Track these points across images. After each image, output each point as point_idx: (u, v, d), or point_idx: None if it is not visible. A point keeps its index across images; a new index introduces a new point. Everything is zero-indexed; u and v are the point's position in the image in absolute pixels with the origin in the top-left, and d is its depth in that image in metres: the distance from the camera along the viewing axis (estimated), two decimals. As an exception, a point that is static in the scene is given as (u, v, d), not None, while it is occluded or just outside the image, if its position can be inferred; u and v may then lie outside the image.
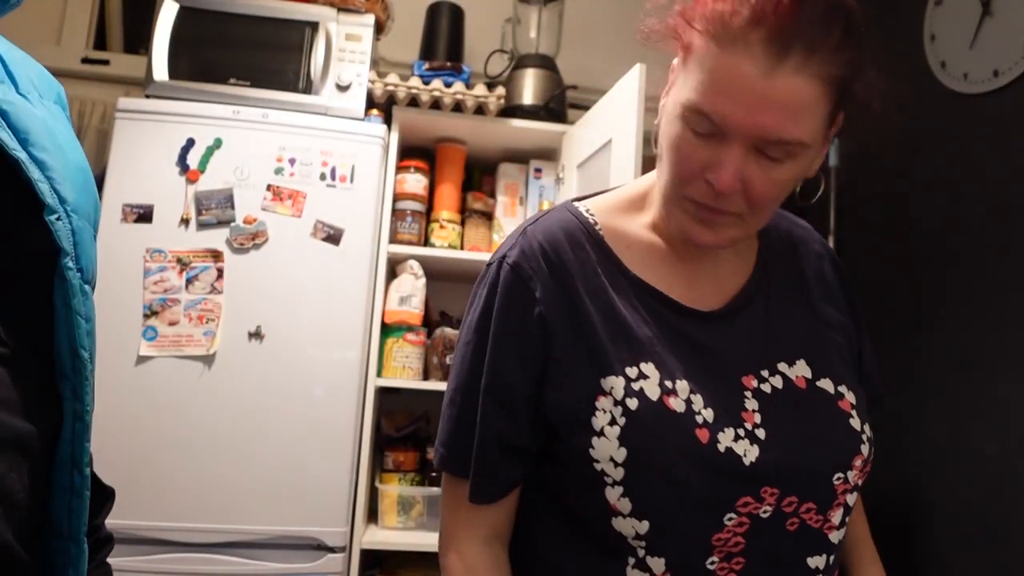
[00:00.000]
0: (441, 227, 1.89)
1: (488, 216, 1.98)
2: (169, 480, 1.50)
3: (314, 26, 1.74)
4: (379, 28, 1.87)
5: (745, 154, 0.58)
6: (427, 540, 1.70)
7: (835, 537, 0.65)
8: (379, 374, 1.73)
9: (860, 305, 0.77)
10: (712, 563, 0.61)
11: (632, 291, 0.66)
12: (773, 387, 0.65)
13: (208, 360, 1.55)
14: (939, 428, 1.60)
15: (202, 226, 1.59)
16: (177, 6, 1.70)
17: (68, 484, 0.54)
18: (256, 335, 1.58)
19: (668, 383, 0.62)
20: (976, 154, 1.58)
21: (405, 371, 1.76)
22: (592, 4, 2.31)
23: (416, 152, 1.98)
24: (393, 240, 1.82)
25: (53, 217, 0.52)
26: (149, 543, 1.47)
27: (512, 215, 1.98)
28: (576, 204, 0.73)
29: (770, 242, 0.75)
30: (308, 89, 1.72)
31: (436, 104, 1.86)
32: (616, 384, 0.61)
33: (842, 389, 0.67)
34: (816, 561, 0.64)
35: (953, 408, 1.57)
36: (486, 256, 1.88)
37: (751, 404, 0.63)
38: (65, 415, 0.54)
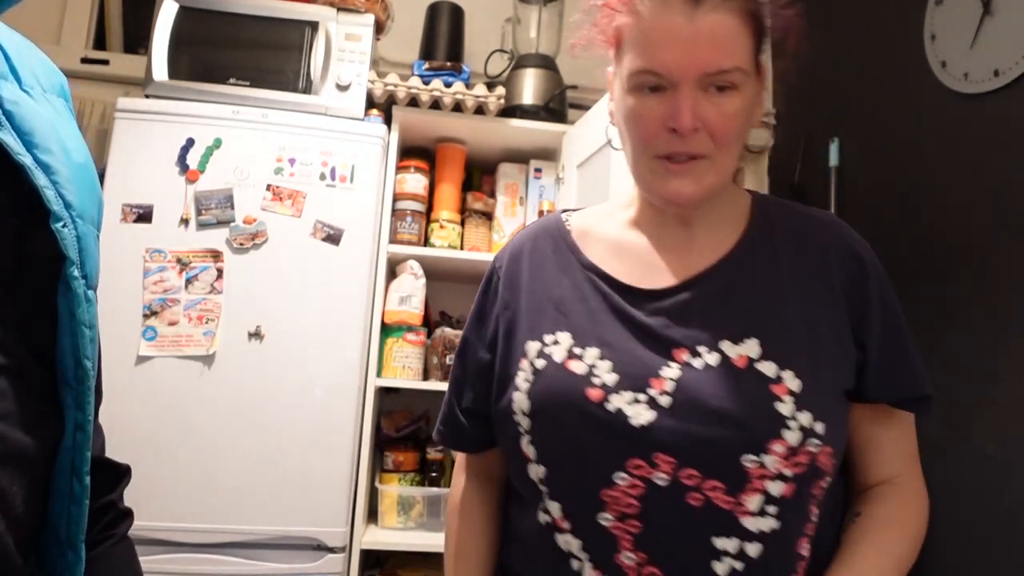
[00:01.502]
0: (441, 227, 1.89)
1: (488, 216, 1.98)
2: (169, 480, 1.50)
3: (314, 26, 1.74)
4: (379, 28, 1.87)
5: (695, 94, 0.63)
6: (427, 540, 1.70)
7: (752, 524, 0.62)
8: (379, 374, 1.73)
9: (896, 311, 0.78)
10: (606, 519, 0.64)
11: (581, 274, 0.74)
12: (706, 363, 0.65)
13: (208, 360, 1.55)
14: (939, 428, 1.60)
15: (202, 226, 1.59)
16: (177, 6, 1.70)
17: (67, 491, 0.54)
18: (256, 335, 1.58)
19: (577, 349, 0.69)
20: (976, 154, 1.58)
21: (405, 371, 1.76)
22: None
23: (416, 152, 1.98)
24: (393, 240, 1.82)
25: (59, 225, 0.51)
26: (149, 543, 1.47)
27: (512, 215, 1.98)
28: (564, 211, 0.83)
29: (760, 232, 0.73)
30: (308, 89, 1.72)
31: (436, 104, 1.86)
32: (532, 348, 0.71)
33: (785, 374, 0.64)
34: (724, 543, 0.62)
35: (953, 408, 1.57)
36: (486, 256, 1.88)
37: (670, 373, 0.65)
38: (67, 424, 0.53)
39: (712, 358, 0.65)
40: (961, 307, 1.58)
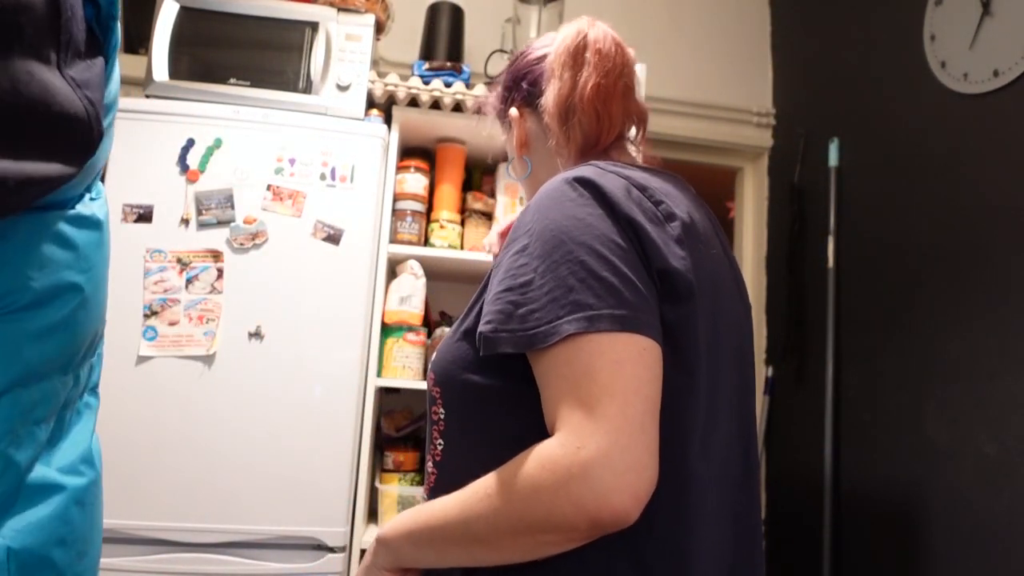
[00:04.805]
0: (441, 227, 1.89)
1: (488, 216, 1.98)
2: (169, 480, 1.50)
3: (314, 26, 1.74)
4: (379, 28, 1.87)
5: None
6: (427, 540, 1.69)
7: (438, 442, 0.74)
8: (379, 374, 1.73)
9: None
10: None
11: None
12: None
13: (208, 360, 1.55)
14: (939, 428, 1.60)
15: (202, 226, 1.59)
16: (177, 6, 1.70)
17: None
18: (256, 335, 1.58)
19: None
20: (976, 154, 1.58)
21: (405, 371, 1.76)
22: (592, 4, 2.31)
23: (416, 152, 1.98)
24: (393, 240, 1.82)
25: None
26: (149, 543, 1.47)
27: (512, 215, 1.98)
28: None
29: None
30: (308, 89, 1.72)
31: (436, 104, 1.86)
32: None
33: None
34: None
35: (953, 408, 1.57)
36: (486, 256, 1.88)
37: None
38: None
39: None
40: (960, 306, 1.58)
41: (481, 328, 0.65)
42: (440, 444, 0.74)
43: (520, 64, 0.89)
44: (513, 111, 0.88)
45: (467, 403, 0.71)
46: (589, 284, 0.61)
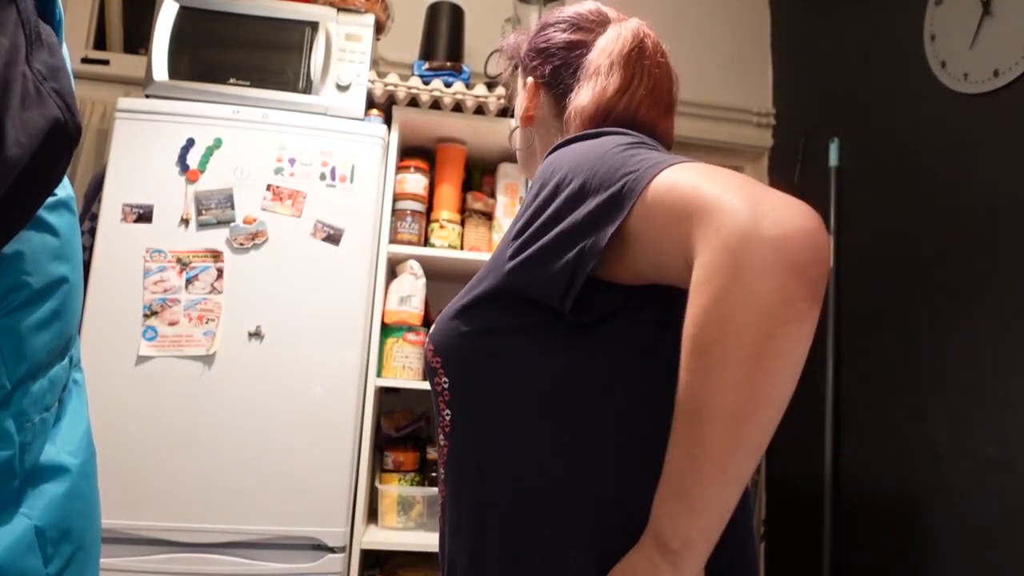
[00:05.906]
0: (441, 227, 1.89)
1: (488, 216, 1.98)
2: (169, 480, 1.50)
3: (314, 26, 1.74)
4: (379, 28, 1.87)
5: None
6: (427, 540, 1.70)
7: (446, 412, 0.73)
8: (379, 374, 1.73)
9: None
10: None
11: None
12: None
13: (208, 360, 1.55)
14: (939, 428, 1.60)
15: (202, 226, 1.59)
16: (177, 6, 1.70)
17: None
18: (256, 335, 1.58)
19: None
20: (976, 154, 1.58)
21: (405, 371, 1.76)
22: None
23: (416, 152, 1.98)
24: (393, 240, 1.82)
25: None
26: (149, 543, 1.47)
27: (512, 215, 1.98)
28: None
29: None
30: (308, 89, 1.72)
31: (436, 104, 1.86)
32: None
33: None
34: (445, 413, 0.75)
35: (953, 408, 1.57)
36: (486, 256, 1.88)
37: None
38: None
39: None
40: (960, 306, 1.58)
41: (576, 252, 0.58)
42: (448, 415, 0.73)
43: (551, 41, 0.82)
44: (530, 80, 0.84)
45: (469, 361, 0.70)
46: (646, 151, 0.60)
